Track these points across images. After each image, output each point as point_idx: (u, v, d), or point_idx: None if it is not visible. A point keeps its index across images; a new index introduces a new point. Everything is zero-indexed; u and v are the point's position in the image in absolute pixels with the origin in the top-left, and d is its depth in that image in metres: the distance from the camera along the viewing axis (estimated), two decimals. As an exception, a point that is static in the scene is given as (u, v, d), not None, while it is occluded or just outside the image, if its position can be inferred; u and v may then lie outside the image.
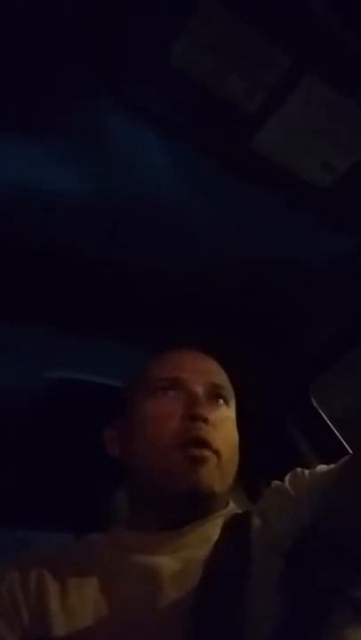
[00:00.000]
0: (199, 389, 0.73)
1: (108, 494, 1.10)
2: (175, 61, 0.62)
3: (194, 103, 0.67)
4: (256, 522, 0.67)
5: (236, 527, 0.68)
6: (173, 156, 0.73)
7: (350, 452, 1.03)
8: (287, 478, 0.68)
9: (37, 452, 1.15)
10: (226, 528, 0.69)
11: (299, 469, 0.68)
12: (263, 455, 1.10)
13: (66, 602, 0.62)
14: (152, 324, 0.95)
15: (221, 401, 0.75)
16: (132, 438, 0.73)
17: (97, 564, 0.66)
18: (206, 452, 0.68)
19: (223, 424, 0.73)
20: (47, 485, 1.15)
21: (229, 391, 0.78)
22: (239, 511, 0.74)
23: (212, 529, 0.68)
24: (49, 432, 1.12)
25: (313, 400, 1.11)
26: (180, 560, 0.64)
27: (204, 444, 0.69)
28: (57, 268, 0.87)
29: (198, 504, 0.68)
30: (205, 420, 0.70)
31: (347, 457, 0.63)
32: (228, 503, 0.75)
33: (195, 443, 0.69)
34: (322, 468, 0.67)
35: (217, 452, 0.69)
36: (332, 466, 0.64)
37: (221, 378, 0.78)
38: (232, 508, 0.75)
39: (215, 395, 0.75)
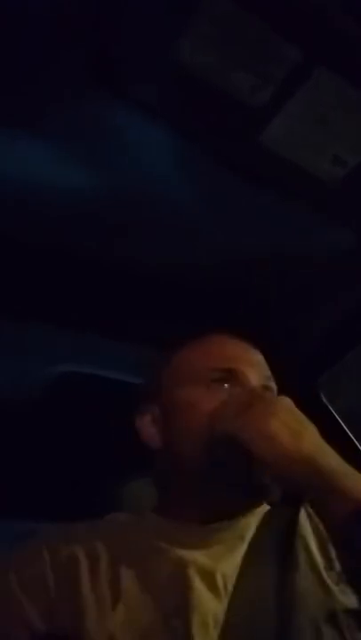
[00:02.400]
0: (256, 383, 0.71)
1: (116, 486, 1.11)
2: (181, 57, 0.61)
3: (200, 99, 0.66)
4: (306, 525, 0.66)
5: (278, 528, 0.66)
6: (178, 153, 0.72)
7: (359, 446, 1.03)
8: None
9: (47, 444, 1.16)
10: (266, 525, 0.67)
11: None
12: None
13: (97, 585, 0.60)
14: (155, 322, 0.95)
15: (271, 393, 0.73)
16: (180, 428, 0.70)
17: (129, 549, 0.64)
18: None
19: None
20: (54, 477, 1.16)
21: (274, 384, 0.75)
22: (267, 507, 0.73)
23: (247, 527, 0.67)
24: (56, 424, 1.13)
25: (321, 395, 1.10)
26: (212, 556, 0.63)
27: None
28: (60, 267, 0.87)
29: (259, 498, 0.67)
30: None
31: None
32: None
33: None
34: None
35: None
36: None
37: (268, 371, 0.75)
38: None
39: (268, 388, 0.73)
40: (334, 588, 0.61)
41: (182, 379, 0.72)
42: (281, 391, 1.11)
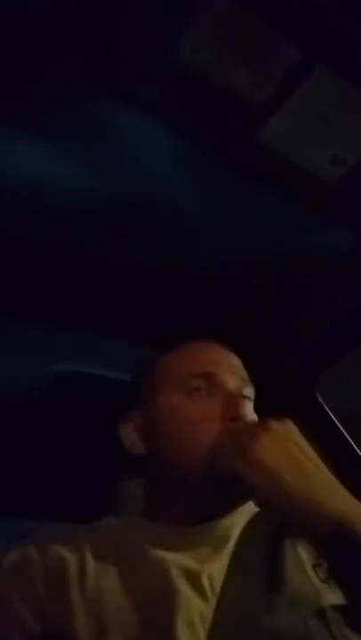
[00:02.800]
0: (234, 388, 0.72)
1: (115, 485, 1.11)
2: (181, 57, 0.61)
3: (199, 98, 0.65)
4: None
5: (267, 529, 0.67)
6: (178, 153, 0.72)
7: (356, 449, 1.03)
8: None
9: (46, 443, 1.16)
10: (254, 526, 0.68)
11: None
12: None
13: (85, 588, 0.61)
14: (155, 322, 0.95)
15: (249, 399, 0.74)
16: (163, 435, 0.71)
17: (116, 552, 0.65)
18: None
19: (253, 421, 0.71)
20: (54, 476, 1.16)
21: (252, 387, 0.76)
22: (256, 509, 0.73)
23: (231, 526, 0.68)
24: (56, 424, 1.13)
25: (318, 396, 1.10)
26: (197, 558, 0.63)
27: None
28: (60, 266, 0.87)
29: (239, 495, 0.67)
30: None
31: None
32: None
33: None
34: None
35: None
36: None
37: (246, 373, 0.76)
38: (250, 504, 0.74)
39: (246, 391, 0.74)
40: (322, 586, 0.61)
41: (162, 386, 0.73)
42: (281, 391, 1.12)
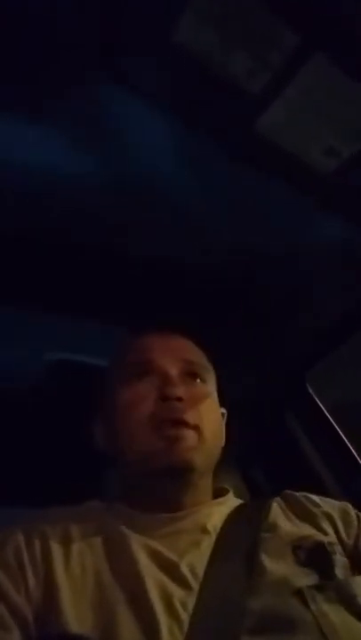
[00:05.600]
0: (171, 369, 0.72)
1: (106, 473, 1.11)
2: (179, 40, 0.60)
3: (199, 84, 0.64)
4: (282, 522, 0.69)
5: (248, 521, 0.69)
6: (176, 140, 0.71)
7: (345, 439, 1.04)
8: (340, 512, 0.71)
9: (42, 432, 1.15)
10: (237, 516, 0.70)
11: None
12: (259, 443, 1.10)
13: (69, 567, 0.62)
14: (150, 310, 0.94)
15: (198, 380, 0.74)
16: (112, 427, 0.72)
17: (99, 534, 0.66)
18: (183, 430, 0.68)
19: (201, 401, 0.72)
20: (51, 465, 1.16)
21: (205, 367, 0.77)
22: (240, 501, 0.75)
23: (208, 517, 0.69)
24: (49, 413, 1.13)
25: (309, 388, 1.11)
26: (174, 548, 0.64)
27: (180, 422, 0.68)
28: (60, 258, 0.86)
29: (180, 479, 0.68)
30: (180, 399, 0.69)
31: None
32: (227, 491, 0.76)
33: (170, 422, 0.68)
34: None
35: (196, 428, 0.69)
36: None
37: (194, 355, 0.76)
38: (231, 497, 0.76)
39: (190, 372, 0.74)
40: (299, 569, 0.63)
41: (111, 380, 0.75)
42: (270, 382, 1.12)
